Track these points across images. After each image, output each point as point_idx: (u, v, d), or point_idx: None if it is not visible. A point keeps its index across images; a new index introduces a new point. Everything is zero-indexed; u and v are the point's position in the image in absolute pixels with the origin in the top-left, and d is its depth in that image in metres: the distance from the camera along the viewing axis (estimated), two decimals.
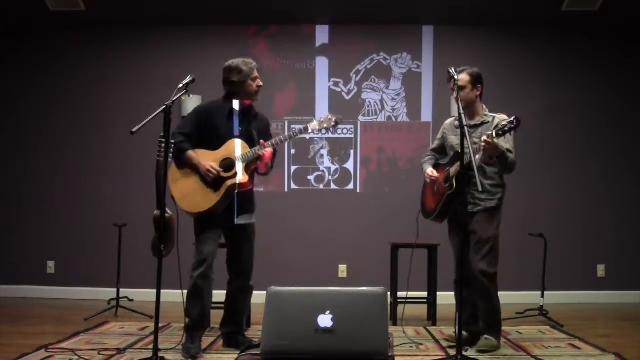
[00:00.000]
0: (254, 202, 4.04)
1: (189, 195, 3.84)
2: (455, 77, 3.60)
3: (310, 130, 3.98)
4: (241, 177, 3.82)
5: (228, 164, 3.82)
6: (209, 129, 3.87)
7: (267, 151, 3.84)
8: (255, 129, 3.95)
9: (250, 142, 3.88)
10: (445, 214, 4.05)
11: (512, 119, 3.66)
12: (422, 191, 4.29)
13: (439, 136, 4.32)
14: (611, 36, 6.32)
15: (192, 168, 3.85)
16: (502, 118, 3.93)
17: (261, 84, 3.97)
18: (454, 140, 4.07)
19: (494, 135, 3.67)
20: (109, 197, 6.22)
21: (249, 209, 3.98)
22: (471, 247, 3.94)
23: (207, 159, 3.83)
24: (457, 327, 3.47)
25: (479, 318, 3.99)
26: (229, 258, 4.08)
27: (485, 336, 3.91)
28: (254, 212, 4.05)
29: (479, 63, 5.89)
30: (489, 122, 3.97)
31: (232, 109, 3.91)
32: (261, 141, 3.85)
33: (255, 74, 3.94)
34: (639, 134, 6.33)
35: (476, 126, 3.99)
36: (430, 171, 4.14)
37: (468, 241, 3.92)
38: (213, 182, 3.81)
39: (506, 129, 3.66)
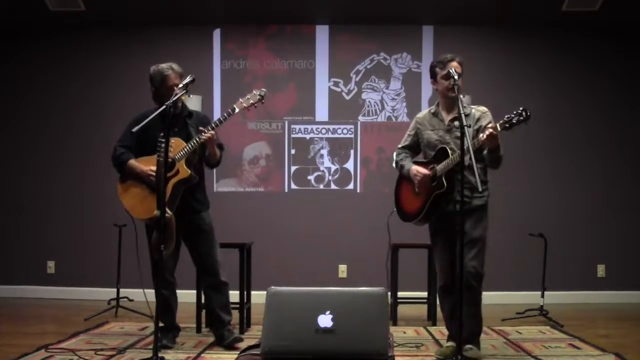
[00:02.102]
0: (202, 198, 4.08)
1: (138, 203, 3.89)
2: (455, 76, 3.49)
3: (237, 110, 3.92)
4: (183, 173, 3.83)
5: (169, 164, 3.78)
6: (146, 136, 3.81)
7: (210, 133, 3.81)
8: (193, 127, 3.95)
9: (190, 139, 3.88)
10: (431, 216, 3.75)
11: (520, 110, 3.41)
12: (397, 192, 3.96)
13: (411, 132, 3.96)
14: (611, 36, 6.32)
15: (136, 177, 3.90)
16: (481, 110, 3.78)
17: (183, 98, 3.78)
18: (431, 135, 3.80)
19: (498, 127, 3.44)
20: (109, 197, 6.16)
21: (197, 206, 4.02)
22: (459, 248, 3.68)
23: (148, 164, 3.86)
24: (459, 329, 3.46)
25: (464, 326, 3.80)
26: (192, 258, 4.15)
27: (469, 346, 3.62)
28: (206, 207, 4.09)
29: (479, 63, 5.99)
30: (468, 113, 3.69)
31: (164, 113, 3.76)
32: (200, 128, 3.85)
33: (169, 82, 3.84)
34: (639, 133, 6.33)
35: (456, 119, 3.64)
36: (415, 169, 3.77)
37: (456, 243, 3.57)
38: (157, 184, 3.81)
39: (514, 121, 3.42)
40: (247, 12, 6.25)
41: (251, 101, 3.94)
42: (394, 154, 4.01)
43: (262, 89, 3.99)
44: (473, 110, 3.78)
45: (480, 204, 3.73)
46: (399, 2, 6.10)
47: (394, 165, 4.01)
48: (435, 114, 3.84)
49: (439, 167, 3.67)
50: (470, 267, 3.63)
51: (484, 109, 3.81)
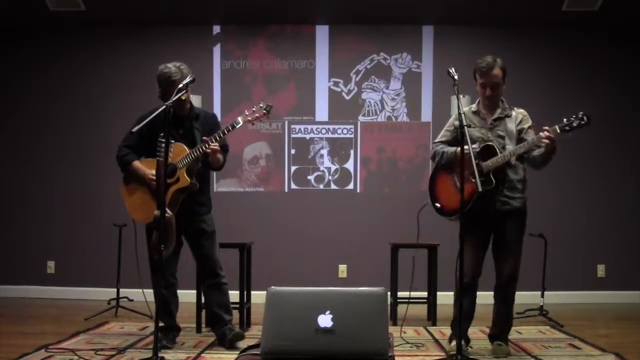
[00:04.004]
0: (205, 201, 4.07)
1: (139, 206, 3.90)
2: (455, 76, 3.51)
3: (241, 123, 3.88)
4: (184, 181, 3.82)
5: (170, 169, 3.80)
6: (152, 137, 3.80)
7: (215, 146, 3.78)
8: (199, 130, 3.93)
9: (193, 144, 3.87)
10: (470, 213, 3.61)
11: (580, 115, 3.49)
12: (435, 187, 3.91)
13: (450, 127, 3.94)
14: (611, 36, 6.32)
15: (139, 179, 3.90)
16: (522, 112, 3.84)
17: (183, 98, 3.70)
18: (473, 132, 3.72)
19: (558, 130, 3.51)
20: (109, 197, 6.20)
21: (199, 209, 4.02)
22: (498, 250, 3.80)
23: (151, 166, 3.85)
24: (459, 327, 3.46)
25: (494, 324, 3.89)
26: (195, 259, 4.16)
27: (498, 342, 3.80)
28: (209, 209, 4.09)
29: None
30: (510, 115, 3.80)
31: (171, 114, 3.66)
32: (204, 138, 3.82)
33: (177, 84, 3.67)
34: (639, 133, 6.32)
35: (499, 119, 3.79)
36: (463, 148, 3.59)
37: (487, 241, 3.77)
38: (157, 185, 3.80)
39: (574, 124, 3.50)
40: (247, 12, 6.25)
41: (256, 114, 3.94)
42: (432, 147, 4.02)
43: (268, 103, 3.98)
44: (514, 113, 3.83)
45: (520, 205, 3.79)
46: (399, 2, 6.10)
47: (430, 158, 4.03)
48: (476, 112, 3.88)
49: (487, 164, 3.67)
50: (508, 272, 3.76)
51: (523, 111, 3.87)
